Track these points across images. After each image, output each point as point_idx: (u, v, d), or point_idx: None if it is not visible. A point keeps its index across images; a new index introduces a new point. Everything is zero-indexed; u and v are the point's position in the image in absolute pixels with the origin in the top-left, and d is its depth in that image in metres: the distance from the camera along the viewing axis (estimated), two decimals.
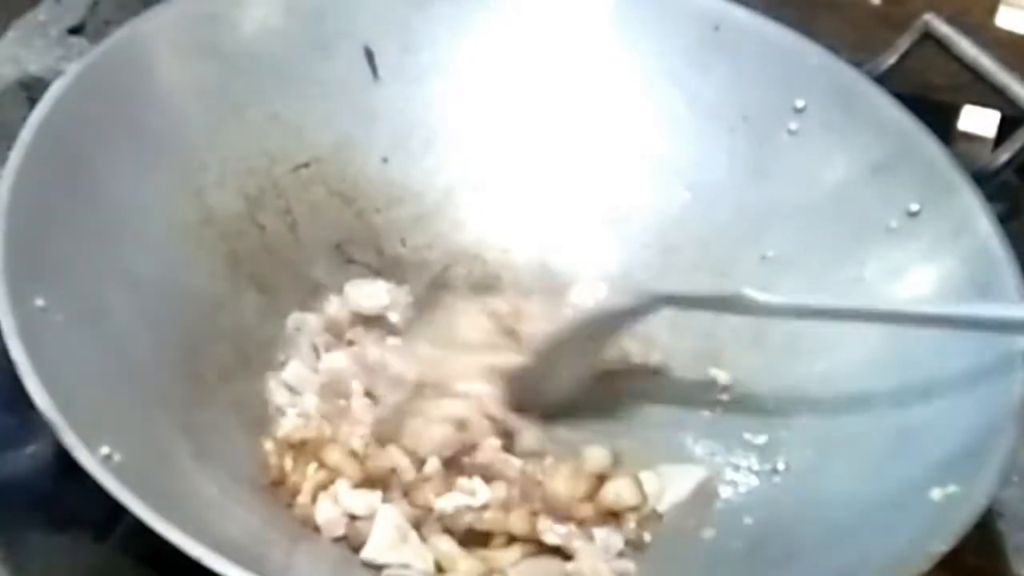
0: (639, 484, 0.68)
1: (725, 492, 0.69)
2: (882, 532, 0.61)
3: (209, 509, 0.59)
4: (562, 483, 0.67)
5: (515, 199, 0.80)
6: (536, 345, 0.70)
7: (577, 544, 0.65)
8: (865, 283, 0.72)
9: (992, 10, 0.91)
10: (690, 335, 0.76)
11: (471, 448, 0.67)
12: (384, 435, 0.67)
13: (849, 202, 0.75)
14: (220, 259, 0.71)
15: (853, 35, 0.86)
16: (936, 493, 0.60)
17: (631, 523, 0.67)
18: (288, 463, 0.66)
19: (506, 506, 0.66)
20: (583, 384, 0.71)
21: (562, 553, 0.65)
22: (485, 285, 0.77)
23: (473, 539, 0.65)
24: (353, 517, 0.64)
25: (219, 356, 0.68)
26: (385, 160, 0.78)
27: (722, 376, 0.74)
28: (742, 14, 0.80)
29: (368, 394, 0.69)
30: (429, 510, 0.65)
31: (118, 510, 0.52)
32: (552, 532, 0.65)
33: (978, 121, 0.99)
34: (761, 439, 0.71)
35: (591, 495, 0.67)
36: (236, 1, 0.75)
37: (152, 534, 0.52)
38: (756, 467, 0.70)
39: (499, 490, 0.66)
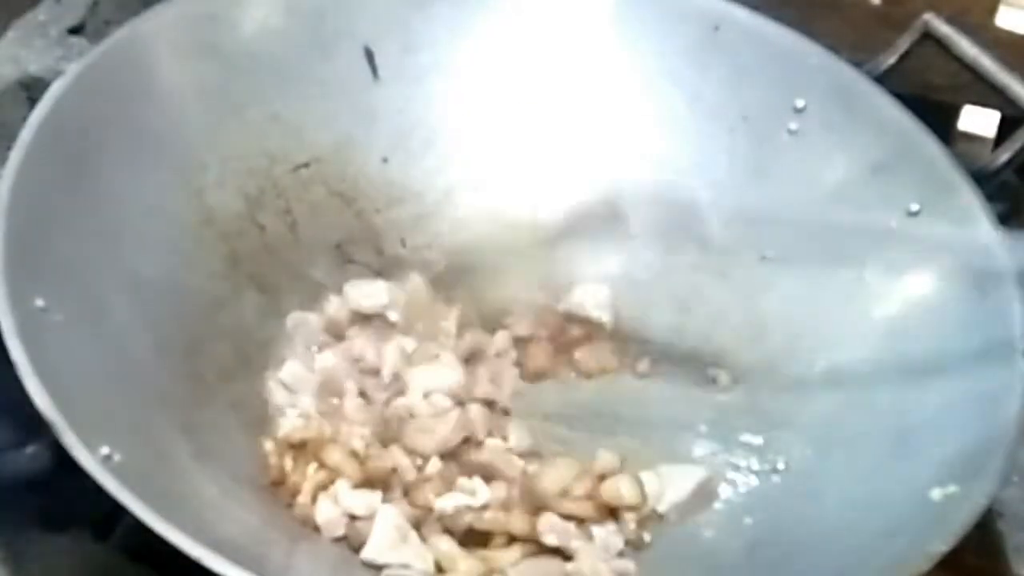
0: (640, 483, 0.68)
1: (725, 492, 0.69)
2: (882, 532, 0.61)
3: (209, 509, 0.59)
4: (557, 477, 0.67)
5: (515, 199, 0.80)
6: None
7: (577, 544, 0.65)
8: (865, 283, 0.72)
9: (992, 10, 0.91)
10: (690, 335, 0.76)
11: (474, 444, 0.67)
12: (386, 435, 0.67)
13: (849, 202, 0.75)
14: (220, 259, 0.71)
15: (853, 35, 0.86)
16: (936, 493, 0.60)
17: (631, 523, 0.67)
18: (288, 463, 0.66)
19: (506, 506, 0.66)
20: None
21: (562, 553, 0.65)
22: (484, 285, 0.77)
23: (473, 539, 0.65)
24: (353, 517, 0.64)
25: (219, 356, 0.68)
26: (385, 160, 0.78)
27: (722, 376, 0.74)
28: (742, 14, 0.80)
29: (362, 394, 0.69)
30: (429, 510, 0.65)
31: (118, 510, 0.52)
32: (552, 533, 0.65)
33: (978, 121, 0.99)
34: (761, 439, 0.71)
35: (591, 493, 0.67)
36: (236, 1, 0.75)
37: (152, 534, 0.52)
38: (756, 467, 0.70)
39: (499, 490, 0.66)
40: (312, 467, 0.66)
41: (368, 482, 0.65)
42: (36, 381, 0.54)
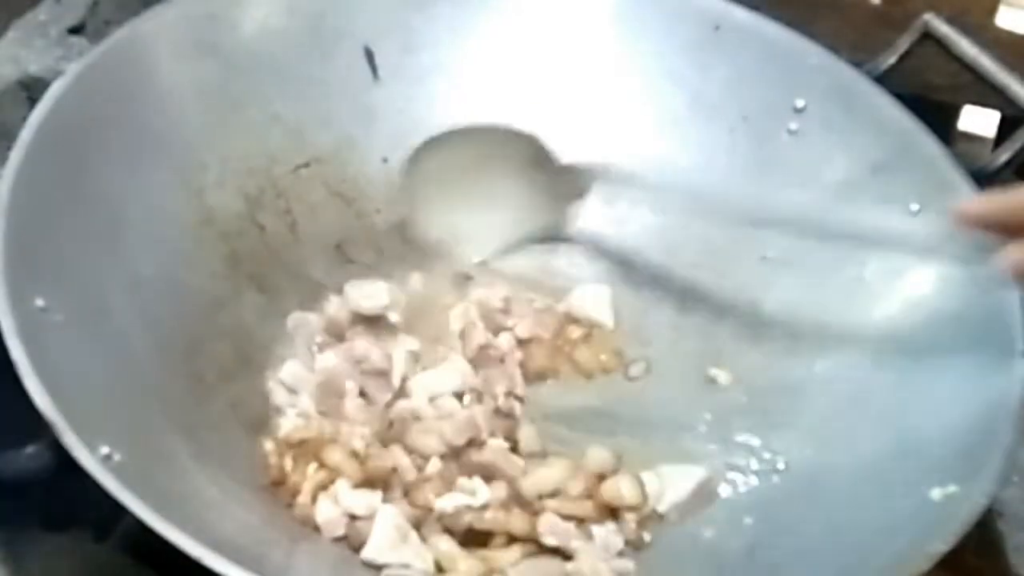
0: (641, 483, 0.68)
1: (725, 492, 0.69)
2: (882, 532, 0.61)
3: (209, 509, 0.59)
4: (550, 477, 0.67)
5: None
6: None
7: (577, 544, 0.65)
8: (865, 283, 0.72)
9: (992, 10, 0.91)
10: (690, 335, 0.76)
11: (476, 444, 0.67)
12: (387, 435, 0.67)
13: (849, 202, 0.75)
14: (220, 259, 0.71)
15: (853, 35, 0.86)
16: (936, 493, 0.60)
17: (631, 523, 0.67)
18: (288, 463, 0.66)
19: (506, 506, 0.66)
20: None
21: (562, 553, 0.65)
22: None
23: (473, 539, 0.65)
24: (353, 517, 0.64)
25: (219, 356, 0.68)
26: (385, 160, 0.78)
27: (722, 376, 0.74)
28: (742, 14, 0.80)
29: (362, 394, 0.69)
30: (429, 510, 0.65)
31: (118, 510, 0.52)
32: (552, 533, 0.65)
33: (978, 121, 0.99)
34: (760, 439, 0.71)
35: (590, 493, 0.67)
36: (236, 1, 0.75)
37: (152, 534, 0.52)
38: (756, 467, 0.70)
39: (499, 490, 0.66)
40: (312, 467, 0.66)
41: (368, 482, 0.65)
42: (36, 381, 0.54)
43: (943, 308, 0.69)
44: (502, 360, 0.73)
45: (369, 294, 0.73)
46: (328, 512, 0.64)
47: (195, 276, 0.70)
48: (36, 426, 0.54)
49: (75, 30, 0.85)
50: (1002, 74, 0.79)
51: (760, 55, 0.79)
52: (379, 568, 0.63)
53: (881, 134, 0.75)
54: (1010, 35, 0.91)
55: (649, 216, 0.79)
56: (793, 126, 0.77)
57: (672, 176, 0.78)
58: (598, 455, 0.69)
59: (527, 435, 0.70)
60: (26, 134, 0.63)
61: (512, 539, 0.65)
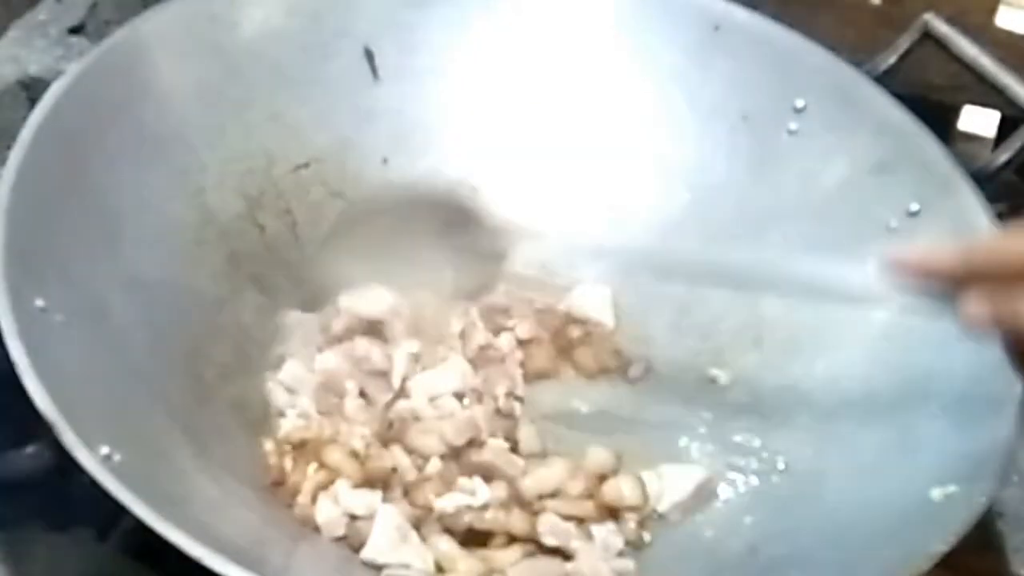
0: (642, 484, 0.68)
1: (725, 492, 0.69)
2: (882, 532, 0.61)
3: (209, 509, 0.59)
4: (549, 477, 0.67)
5: (515, 200, 0.80)
6: None
7: (577, 544, 0.65)
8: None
9: (992, 10, 0.91)
10: (690, 335, 0.76)
11: (476, 444, 0.67)
12: (387, 435, 0.67)
13: (849, 202, 0.75)
14: (220, 259, 0.71)
15: (853, 35, 0.87)
16: (936, 493, 0.60)
17: (631, 523, 0.67)
18: (288, 463, 0.66)
19: (506, 506, 0.66)
20: None
21: (562, 553, 0.65)
22: (484, 285, 0.77)
23: (473, 539, 0.65)
24: (353, 517, 0.64)
25: (219, 356, 0.68)
26: (385, 160, 0.78)
27: (722, 376, 0.74)
28: (742, 14, 0.80)
29: (362, 394, 0.69)
30: (429, 510, 0.65)
31: (118, 510, 0.52)
32: (552, 533, 0.65)
33: (978, 121, 0.99)
34: (760, 439, 0.71)
35: (590, 493, 0.67)
36: (236, 1, 0.75)
37: (152, 534, 0.52)
38: (756, 467, 0.70)
39: (499, 490, 0.66)
40: (312, 467, 0.66)
41: (368, 482, 0.65)
42: (36, 381, 0.54)
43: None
44: (502, 360, 0.73)
45: (369, 297, 0.73)
46: (328, 512, 0.64)
47: (195, 276, 0.70)
48: (36, 426, 0.54)
49: (75, 30, 0.85)
50: (1002, 74, 0.79)
51: (760, 55, 0.79)
52: (379, 568, 0.63)
53: (881, 134, 0.75)
54: (1010, 35, 0.91)
55: (649, 216, 0.79)
56: (793, 126, 0.77)
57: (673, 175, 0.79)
58: (598, 455, 0.69)
59: (527, 435, 0.70)
60: (26, 134, 0.63)
61: (512, 539, 0.65)
